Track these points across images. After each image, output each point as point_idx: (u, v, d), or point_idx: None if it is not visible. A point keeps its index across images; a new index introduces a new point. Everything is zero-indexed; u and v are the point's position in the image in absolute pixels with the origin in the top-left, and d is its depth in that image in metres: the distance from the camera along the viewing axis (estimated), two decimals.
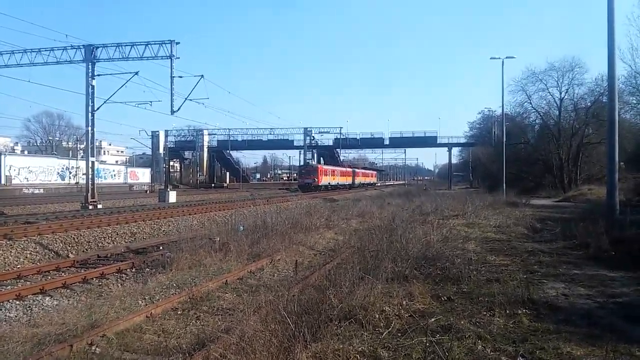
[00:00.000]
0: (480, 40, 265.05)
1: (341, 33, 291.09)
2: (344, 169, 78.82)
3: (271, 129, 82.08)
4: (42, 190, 54.03)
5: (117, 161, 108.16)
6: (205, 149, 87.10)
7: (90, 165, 30.48)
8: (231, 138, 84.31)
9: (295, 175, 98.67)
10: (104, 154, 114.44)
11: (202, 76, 31.65)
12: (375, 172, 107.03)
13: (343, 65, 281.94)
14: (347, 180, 77.05)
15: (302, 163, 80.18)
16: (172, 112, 29.89)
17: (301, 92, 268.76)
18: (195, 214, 26.08)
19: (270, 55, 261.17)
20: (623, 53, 30.75)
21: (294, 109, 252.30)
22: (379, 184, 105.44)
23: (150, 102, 31.40)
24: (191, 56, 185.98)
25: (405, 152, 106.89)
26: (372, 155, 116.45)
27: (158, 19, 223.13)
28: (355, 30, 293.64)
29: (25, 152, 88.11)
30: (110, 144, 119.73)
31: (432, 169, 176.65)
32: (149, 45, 29.26)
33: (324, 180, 63.97)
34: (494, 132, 57.02)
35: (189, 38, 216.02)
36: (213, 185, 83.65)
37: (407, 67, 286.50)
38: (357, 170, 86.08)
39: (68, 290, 10.51)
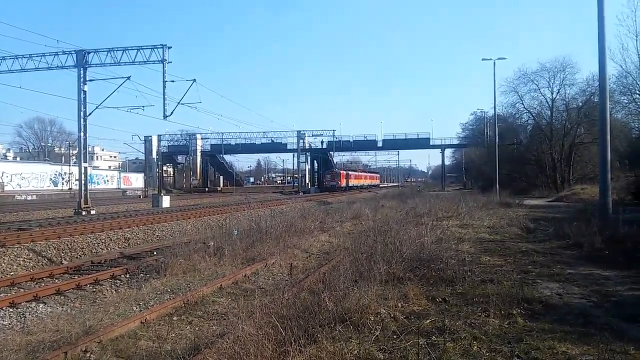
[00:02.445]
0: (475, 41, 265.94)
1: (336, 34, 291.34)
2: (357, 173, 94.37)
3: (264, 132, 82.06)
4: (34, 197, 53.72)
5: (110, 166, 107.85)
6: (199, 153, 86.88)
7: (82, 171, 30.38)
8: (224, 142, 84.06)
9: (289, 178, 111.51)
10: (97, 159, 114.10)
11: (194, 80, 31.68)
12: (378, 175, 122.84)
13: (338, 66, 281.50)
14: (360, 182, 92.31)
15: (295, 166, 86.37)
16: (165, 116, 29.87)
17: (295, 94, 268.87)
18: (189, 218, 26.02)
19: (263, 58, 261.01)
20: (613, 53, 31.08)
21: (287, 111, 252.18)
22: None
23: (143, 107, 31.29)
24: (183, 60, 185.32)
25: (398, 154, 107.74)
26: (365, 157, 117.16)
27: (149, 24, 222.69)
28: (350, 32, 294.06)
29: (18, 159, 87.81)
30: (103, 150, 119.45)
31: (426, 171, 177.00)
32: (141, 50, 29.23)
33: (344, 183, 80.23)
34: (487, 133, 57.32)
35: (181, 42, 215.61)
36: (207, 189, 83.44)
37: (402, 69, 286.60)
38: (365, 174, 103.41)
39: (62, 297, 10.47)
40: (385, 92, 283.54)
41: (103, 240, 18.39)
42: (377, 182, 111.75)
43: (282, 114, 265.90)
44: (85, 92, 29.68)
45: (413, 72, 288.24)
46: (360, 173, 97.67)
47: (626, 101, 36.58)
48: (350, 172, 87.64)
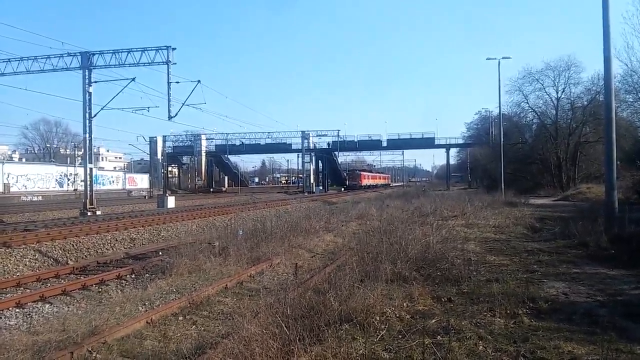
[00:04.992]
0: (479, 40, 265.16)
1: (338, 34, 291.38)
2: (372, 174, 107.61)
3: (269, 132, 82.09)
4: (40, 198, 53.91)
5: (115, 167, 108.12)
6: (203, 154, 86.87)
7: (88, 171, 30.44)
8: (229, 142, 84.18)
9: (293, 178, 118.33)
10: (102, 160, 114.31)
11: (198, 81, 31.65)
12: (389, 175, 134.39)
13: (341, 66, 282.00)
14: (375, 182, 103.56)
15: (300, 167, 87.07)
16: (170, 117, 29.96)
17: (299, 94, 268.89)
18: (194, 218, 26.05)
19: (267, 59, 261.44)
20: (619, 51, 30.71)
21: (291, 111, 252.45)
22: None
23: (148, 108, 31.32)
24: (187, 61, 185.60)
25: (403, 154, 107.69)
26: (369, 157, 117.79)
27: (152, 25, 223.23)
28: (353, 32, 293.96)
29: (23, 160, 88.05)
30: (108, 150, 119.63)
31: (430, 170, 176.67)
32: (146, 52, 29.21)
33: (364, 182, 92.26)
34: (492, 132, 57.20)
35: (184, 42, 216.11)
36: (211, 189, 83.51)
37: (406, 69, 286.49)
38: (379, 174, 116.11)
39: (68, 297, 10.50)
40: (389, 92, 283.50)
41: (109, 241, 18.45)
42: (387, 182, 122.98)
43: (286, 114, 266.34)
44: (90, 93, 29.73)
45: (416, 72, 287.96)
46: (375, 174, 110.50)
47: (632, 100, 36.41)
48: (367, 173, 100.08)
